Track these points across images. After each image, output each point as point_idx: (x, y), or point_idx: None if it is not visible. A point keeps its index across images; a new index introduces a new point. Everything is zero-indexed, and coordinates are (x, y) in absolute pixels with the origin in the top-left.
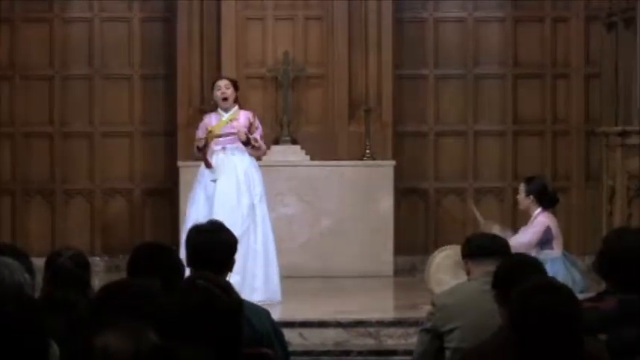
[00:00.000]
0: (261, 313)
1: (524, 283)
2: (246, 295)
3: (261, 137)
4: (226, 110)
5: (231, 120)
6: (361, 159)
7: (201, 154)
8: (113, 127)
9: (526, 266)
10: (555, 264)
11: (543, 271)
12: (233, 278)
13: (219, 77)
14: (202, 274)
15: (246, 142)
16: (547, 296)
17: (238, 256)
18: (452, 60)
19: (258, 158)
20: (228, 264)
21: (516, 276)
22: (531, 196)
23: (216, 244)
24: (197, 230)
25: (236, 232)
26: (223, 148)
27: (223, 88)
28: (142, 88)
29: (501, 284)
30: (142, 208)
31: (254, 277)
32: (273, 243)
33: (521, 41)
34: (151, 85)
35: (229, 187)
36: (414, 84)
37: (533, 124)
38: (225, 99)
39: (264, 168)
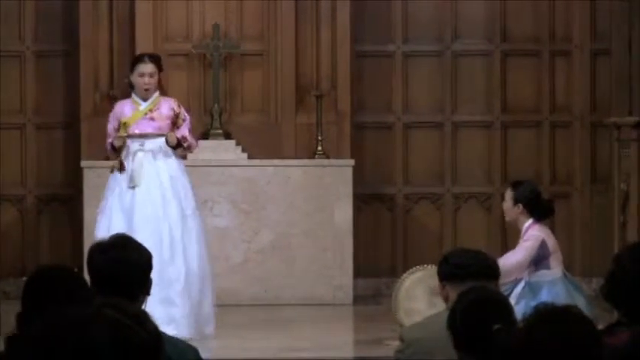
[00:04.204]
0: (185, 350)
1: (532, 312)
2: (190, 330)
3: (190, 131)
4: (145, 98)
5: (150, 110)
6: (312, 157)
7: (116, 155)
8: None
9: (487, 305)
10: (555, 287)
11: (511, 312)
12: (170, 310)
13: (142, 57)
14: (111, 301)
15: (177, 146)
16: (559, 326)
17: (170, 283)
18: (425, 33)
19: (184, 156)
20: (141, 287)
21: (476, 317)
22: (520, 205)
23: (124, 264)
24: (99, 248)
25: (165, 252)
26: (141, 145)
27: (147, 77)
28: (36, 69)
29: (457, 327)
30: (36, 219)
31: (197, 306)
32: (208, 264)
33: (512, 10)
34: (47, 64)
35: (152, 195)
36: (378, 63)
37: (527, 113)
38: (147, 89)
39: (189, 169)
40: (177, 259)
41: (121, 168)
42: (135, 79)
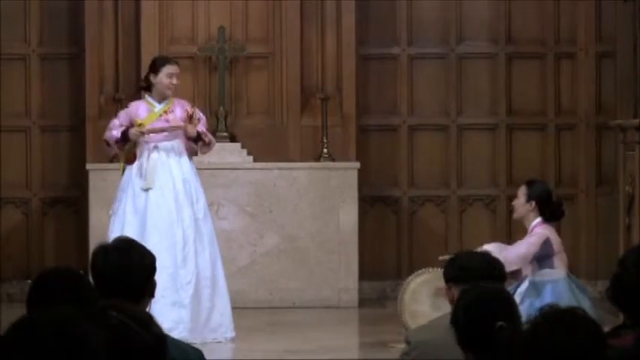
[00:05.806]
0: (190, 353)
1: (537, 314)
2: (200, 334)
3: (208, 130)
4: (160, 100)
5: (165, 112)
6: (317, 160)
7: (115, 149)
8: (4, 121)
9: (490, 301)
10: (558, 287)
11: (514, 309)
12: (180, 312)
13: (169, 59)
14: (115, 303)
15: (196, 139)
16: (564, 328)
17: (181, 286)
18: (430, 36)
19: (195, 152)
20: (145, 289)
21: (479, 313)
22: (533, 203)
23: (127, 267)
24: (102, 251)
25: (178, 255)
26: (155, 147)
27: (175, 78)
28: (41, 72)
29: (461, 324)
30: (40, 221)
31: (206, 310)
32: (221, 268)
33: (517, 12)
34: (53, 67)
35: (166, 198)
36: (383, 66)
37: (532, 116)
38: (171, 89)
39: None
40: (189, 263)
41: (131, 160)
42: (161, 79)
